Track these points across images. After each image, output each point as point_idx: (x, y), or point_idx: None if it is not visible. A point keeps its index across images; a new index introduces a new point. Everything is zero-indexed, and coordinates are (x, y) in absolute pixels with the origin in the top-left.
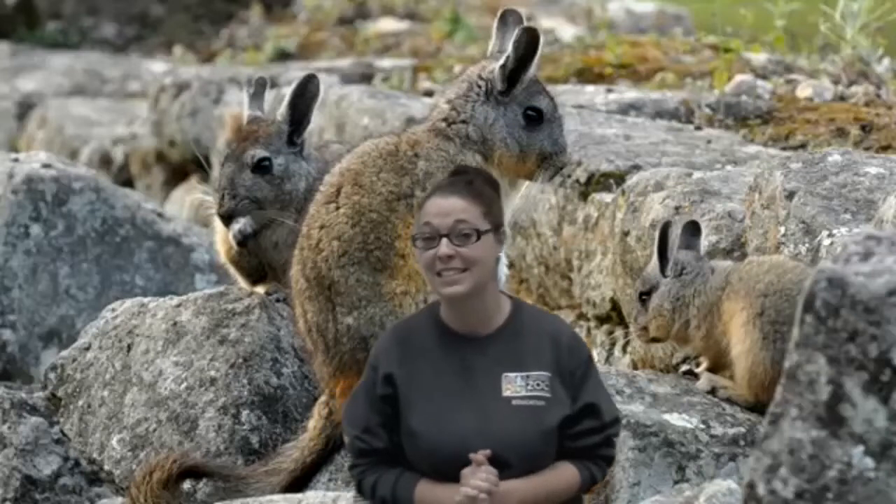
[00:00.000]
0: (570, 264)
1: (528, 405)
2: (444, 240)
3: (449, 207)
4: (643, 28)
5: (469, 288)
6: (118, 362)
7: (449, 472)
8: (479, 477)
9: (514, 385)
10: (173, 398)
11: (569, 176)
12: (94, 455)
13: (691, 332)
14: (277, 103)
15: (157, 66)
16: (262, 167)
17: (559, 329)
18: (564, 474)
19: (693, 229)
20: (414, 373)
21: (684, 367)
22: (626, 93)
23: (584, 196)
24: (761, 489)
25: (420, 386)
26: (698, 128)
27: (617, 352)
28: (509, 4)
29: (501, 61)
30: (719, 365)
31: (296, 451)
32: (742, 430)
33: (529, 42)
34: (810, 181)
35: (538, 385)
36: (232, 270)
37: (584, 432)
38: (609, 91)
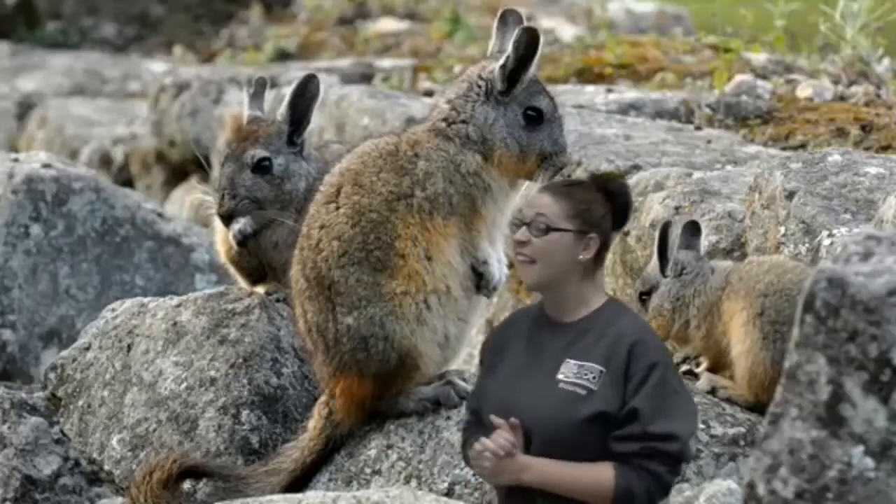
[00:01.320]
0: None
1: (570, 390)
2: (524, 227)
3: (538, 202)
4: (643, 28)
5: (536, 281)
6: (118, 362)
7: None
8: (492, 437)
9: (568, 370)
10: (173, 398)
11: (569, 176)
12: (94, 455)
13: (691, 332)
14: (277, 103)
15: (157, 66)
16: (262, 167)
17: (627, 330)
18: (597, 472)
19: (693, 229)
20: (502, 342)
21: (684, 367)
22: (626, 93)
23: None
24: (761, 489)
25: (502, 354)
26: (698, 128)
27: None
28: (509, 4)
29: (501, 61)
30: (719, 365)
31: (296, 451)
32: (742, 430)
33: (529, 42)
34: (810, 181)
35: (587, 375)
36: (232, 270)
37: (622, 437)
38: (609, 91)
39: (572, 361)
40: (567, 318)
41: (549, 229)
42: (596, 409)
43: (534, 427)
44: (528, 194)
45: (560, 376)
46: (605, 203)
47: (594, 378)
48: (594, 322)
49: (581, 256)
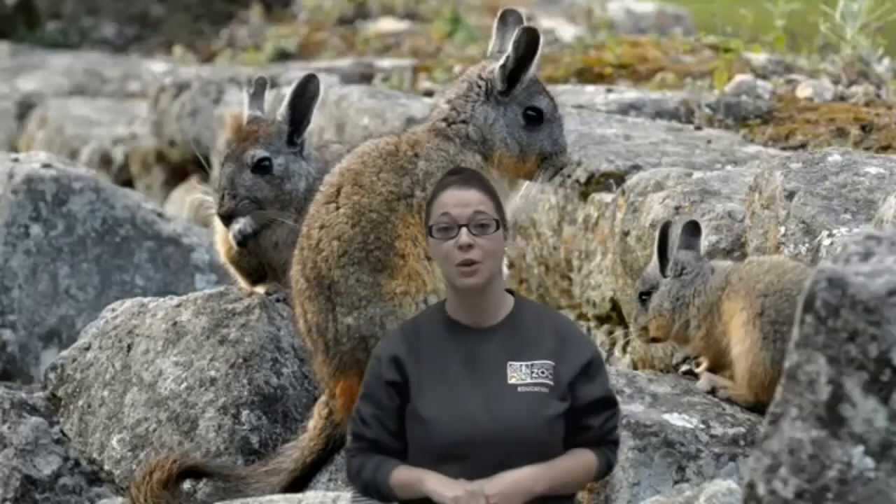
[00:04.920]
0: (570, 264)
1: (533, 392)
2: (464, 229)
3: (468, 198)
4: (643, 28)
5: (485, 279)
6: (118, 362)
7: (456, 455)
8: None
9: (519, 373)
10: (173, 398)
11: (569, 176)
12: (94, 455)
13: (691, 332)
14: (277, 103)
15: (157, 66)
16: (262, 167)
17: (563, 323)
18: (581, 459)
19: (693, 229)
20: (422, 360)
21: (684, 367)
22: (626, 93)
23: (584, 196)
24: (761, 489)
25: (429, 373)
26: (698, 128)
27: (617, 352)
28: (509, 4)
29: (501, 61)
30: (719, 365)
31: (296, 451)
32: (742, 430)
33: (529, 42)
34: (810, 181)
35: (542, 373)
36: (232, 270)
37: (604, 422)
38: (609, 91)
39: (516, 363)
40: (489, 322)
41: (497, 225)
42: (561, 405)
43: (513, 435)
44: (527, 194)
45: (513, 381)
46: None
47: (549, 374)
48: (520, 320)
49: (506, 247)
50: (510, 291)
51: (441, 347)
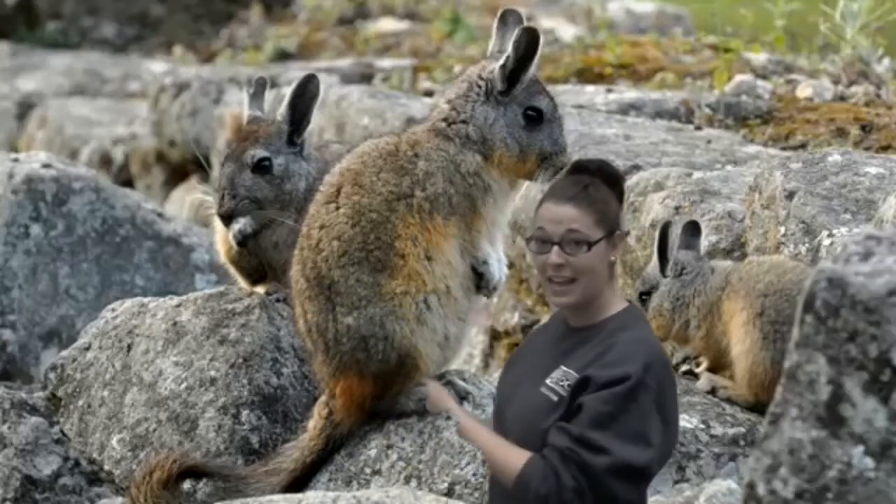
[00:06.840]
0: None
1: (544, 395)
2: (556, 248)
3: (563, 215)
4: (643, 28)
5: (577, 299)
6: (118, 362)
7: (499, 432)
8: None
9: (555, 375)
10: (173, 398)
11: None
12: (94, 455)
13: (691, 332)
14: (277, 103)
15: (157, 66)
16: (262, 167)
17: (619, 340)
18: (511, 455)
19: (693, 229)
20: (527, 343)
21: (684, 367)
22: (626, 93)
23: None
24: (761, 489)
25: (518, 355)
26: (698, 128)
27: None
28: (509, 4)
29: (501, 61)
30: (719, 365)
31: (296, 451)
32: (742, 430)
33: (529, 42)
34: (810, 181)
35: (563, 382)
36: (232, 270)
37: (560, 428)
38: (609, 91)
39: (563, 368)
40: (580, 323)
41: (589, 245)
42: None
43: (510, 431)
44: (527, 194)
45: (546, 380)
46: (611, 191)
47: (569, 386)
48: (600, 330)
49: (612, 258)
50: (629, 301)
51: (541, 335)
